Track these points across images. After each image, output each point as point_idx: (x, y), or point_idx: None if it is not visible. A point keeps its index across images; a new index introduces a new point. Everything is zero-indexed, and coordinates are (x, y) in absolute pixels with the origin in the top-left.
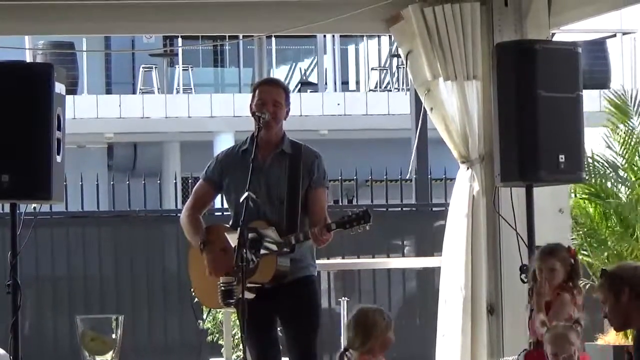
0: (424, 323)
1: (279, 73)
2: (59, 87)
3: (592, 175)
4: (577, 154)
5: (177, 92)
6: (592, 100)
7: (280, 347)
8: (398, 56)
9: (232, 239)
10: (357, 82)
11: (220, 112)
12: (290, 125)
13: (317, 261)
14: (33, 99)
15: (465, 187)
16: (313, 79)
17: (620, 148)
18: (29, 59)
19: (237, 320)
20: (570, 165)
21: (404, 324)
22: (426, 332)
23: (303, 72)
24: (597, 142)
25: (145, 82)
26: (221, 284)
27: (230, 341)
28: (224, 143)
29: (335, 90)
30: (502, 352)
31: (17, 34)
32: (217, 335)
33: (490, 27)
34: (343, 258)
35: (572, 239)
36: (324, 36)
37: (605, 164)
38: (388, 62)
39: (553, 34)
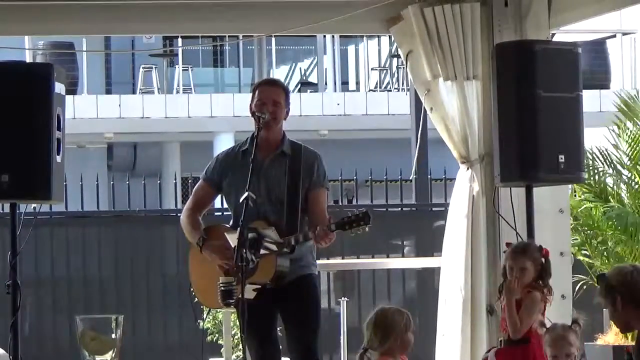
0: (424, 323)
1: (279, 73)
2: (59, 87)
3: (593, 176)
4: (577, 154)
5: (177, 92)
6: (592, 101)
7: (280, 346)
8: (398, 56)
9: (232, 239)
10: (357, 83)
11: (220, 112)
12: (290, 126)
13: (317, 261)
14: (33, 99)
15: (465, 187)
16: (313, 79)
17: (628, 147)
18: (29, 59)
19: (237, 320)
20: (570, 166)
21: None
22: (426, 332)
23: (303, 72)
24: (597, 142)
25: (145, 82)
26: (221, 284)
27: (230, 341)
28: (223, 143)
29: (335, 90)
30: None
31: (17, 34)
32: (216, 335)
33: (490, 28)
34: (343, 258)
35: (573, 239)
36: (324, 36)
37: (607, 164)
38: (388, 62)
39: (553, 35)
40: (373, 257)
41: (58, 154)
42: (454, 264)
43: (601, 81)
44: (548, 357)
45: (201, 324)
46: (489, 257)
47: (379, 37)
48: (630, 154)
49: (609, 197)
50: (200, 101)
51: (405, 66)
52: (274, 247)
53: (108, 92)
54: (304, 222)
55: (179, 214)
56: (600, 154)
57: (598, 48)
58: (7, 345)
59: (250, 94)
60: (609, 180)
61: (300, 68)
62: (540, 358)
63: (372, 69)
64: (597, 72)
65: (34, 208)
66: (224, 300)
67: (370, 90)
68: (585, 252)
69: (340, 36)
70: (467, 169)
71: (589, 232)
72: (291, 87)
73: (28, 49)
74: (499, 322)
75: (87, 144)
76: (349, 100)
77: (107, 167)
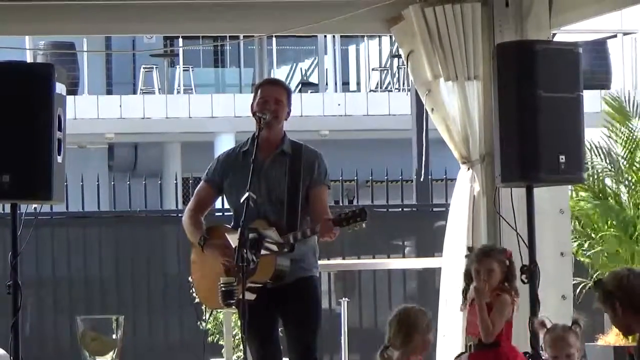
0: None
1: (279, 73)
2: (60, 88)
3: (592, 176)
4: (578, 155)
5: (178, 92)
6: (592, 101)
7: (281, 347)
8: (399, 56)
9: (233, 240)
10: (358, 83)
11: (220, 113)
12: (291, 126)
13: (318, 262)
14: (34, 99)
15: (465, 187)
16: (314, 79)
17: (622, 150)
18: (29, 59)
19: (238, 321)
20: (570, 166)
21: None
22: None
23: (304, 72)
24: (597, 142)
25: (146, 83)
26: (221, 285)
27: (231, 341)
28: (224, 143)
29: (336, 90)
30: None
31: (17, 34)
32: (217, 335)
33: (491, 28)
34: (343, 259)
35: (573, 239)
36: (325, 36)
37: (606, 165)
38: (389, 62)
39: (554, 35)
40: (374, 258)
41: (59, 154)
42: (454, 265)
43: (602, 81)
44: (548, 357)
45: (203, 324)
46: None
47: (379, 37)
48: (625, 155)
49: (608, 198)
50: (201, 101)
51: (406, 66)
52: (274, 247)
53: (109, 92)
54: (305, 222)
55: (179, 214)
56: (598, 154)
57: (599, 48)
58: (8, 345)
59: (252, 94)
60: (607, 181)
61: (301, 68)
62: None
63: (372, 69)
64: (597, 72)
65: (35, 208)
66: (225, 300)
67: (371, 91)
68: (586, 252)
69: (341, 36)
70: (468, 169)
71: (588, 232)
72: (292, 88)
73: (29, 49)
74: None
75: (88, 144)
76: (350, 101)
77: (108, 168)
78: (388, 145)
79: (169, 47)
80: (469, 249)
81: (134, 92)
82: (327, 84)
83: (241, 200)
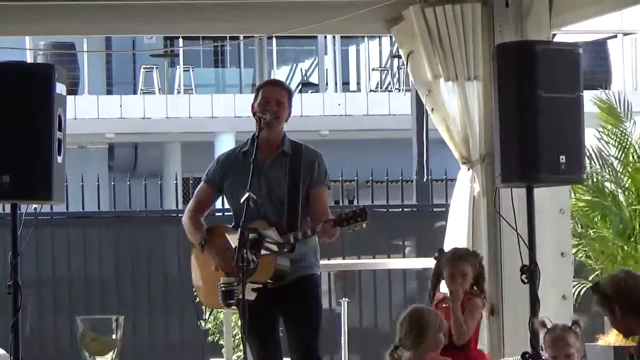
0: None
1: (279, 74)
2: (60, 88)
3: (591, 177)
4: (578, 155)
5: (178, 92)
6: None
7: (282, 346)
8: (399, 57)
9: (233, 240)
10: (358, 83)
11: (221, 113)
12: (291, 126)
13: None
14: (34, 99)
15: (466, 187)
16: (314, 79)
17: (616, 151)
18: (29, 59)
19: (239, 320)
20: (570, 166)
21: None
22: None
23: (304, 72)
24: (596, 143)
25: (146, 83)
26: (221, 285)
27: (231, 341)
28: (224, 143)
29: (336, 90)
30: (502, 352)
31: (17, 35)
32: (217, 335)
33: (491, 28)
34: (344, 259)
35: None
36: (325, 37)
37: (604, 166)
38: (389, 62)
39: (554, 35)
40: (374, 258)
41: (59, 155)
42: None
43: (602, 82)
44: (548, 357)
45: (203, 324)
46: (490, 257)
47: (380, 37)
48: (619, 157)
49: (607, 198)
50: (201, 101)
51: (406, 66)
52: (274, 248)
53: (109, 92)
54: (305, 222)
55: (179, 215)
56: (595, 155)
57: (599, 48)
58: (8, 345)
59: (252, 95)
60: (606, 183)
61: (301, 68)
62: None
63: (373, 69)
64: (598, 72)
65: (35, 208)
66: (225, 300)
67: (371, 91)
68: (586, 252)
69: (341, 36)
70: (468, 169)
71: (588, 232)
72: (292, 88)
73: (29, 49)
74: (500, 323)
75: (88, 145)
76: (350, 101)
77: (108, 168)
78: (388, 145)
79: (169, 47)
80: (440, 251)
81: (134, 92)
82: (327, 84)
83: (241, 201)
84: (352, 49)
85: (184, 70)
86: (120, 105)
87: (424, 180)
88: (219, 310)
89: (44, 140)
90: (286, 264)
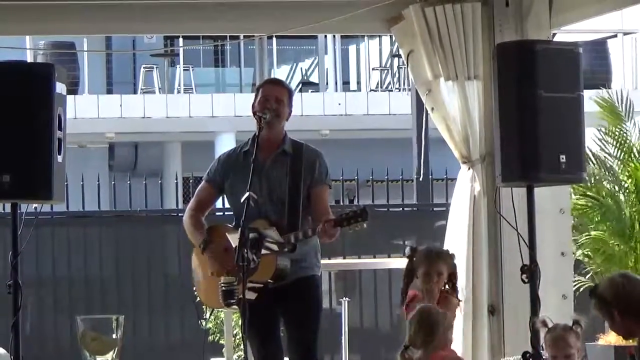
0: None
1: (280, 73)
2: (60, 87)
3: (591, 176)
4: (578, 155)
5: (178, 92)
6: (592, 101)
7: (282, 346)
8: (399, 56)
9: (234, 239)
10: (358, 82)
11: (221, 112)
12: (291, 126)
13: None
14: (34, 99)
15: (466, 187)
16: (314, 79)
17: (615, 151)
18: (29, 59)
19: (239, 320)
20: (571, 166)
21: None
22: None
23: (304, 72)
24: (596, 143)
25: (146, 82)
26: (222, 284)
27: (231, 341)
28: (225, 143)
29: (337, 90)
30: (503, 352)
31: (18, 34)
32: (218, 335)
33: (491, 27)
34: (344, 258)
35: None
36: (325, 36)
37: (603, 166)
38: (389, 62)
39: (554, 34)
40: (374, 257)
41: (59, 154)
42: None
43: (602, 81)
44: (548, 357)
45: (204, 323)
46: (490, 257)
47: (380, 36)
48: (619, 156)
49: (607, 198)
50: (202, 101)
51: (406, 66)
52: (275, 247)
53: (109, 92)
54: (306, 222)
55: (180, 214)
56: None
57: (599, 48)
58: (9, 345)
59: (252, 94)
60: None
61: (301, 68)
62: None
63: (373, 68)
64: (598, 72)
65: (35, 208)
66: (225, 300)
67: (371, 90)
68: (586, 252)
69: (342, 36)
70: (469, 169)
71: (587, 232)
72: (292, 87)
73: (29, 48)
74: (500, 322)
75: (88, 144)
76: (350, 100)
77: (108, 167)
78: (388, 144)
79: (170, 47)
80: (412, 249)
81: (135, 92)
82: (327, 83)
83: (241, 200)
84: (352, 49)
85: (184, 70)
86: (121, 105)
87: (420, 179)
88: (220, 309)
89: (44, 139)
90: (287, 264)
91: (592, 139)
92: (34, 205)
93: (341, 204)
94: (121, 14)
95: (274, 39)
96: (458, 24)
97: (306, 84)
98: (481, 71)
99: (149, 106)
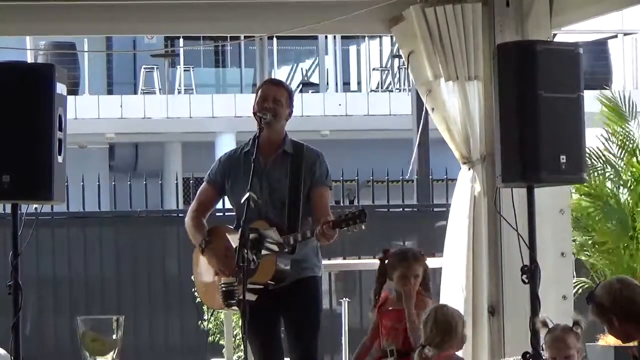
0: None
1: (280, 73)
2: (60, 88)
3: (592, 176)
4: (578, 155)
5: (179, 92)
6: (592, 101)
7: (283, 347)
8: (399, 57)
9: (234, 240)
10: (359, 83)
11: (221, 113)
12: (292, 126)
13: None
14: (34, 99)
15: (466, 187)
16: (314, 79)
17: (618, 150)
18: (30, 59)
19: (239, 321)
20: (571, 166)
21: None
22: None
23: (304, 72)
24: (597, 142)
25: (147, 83)
26: (222, 285)
27: (231, 341)
28: (225, 143)
29: (337, 90)
30: (503, 353)
31: (18, 35)
32: (218, 335)
33: (491, 28)
34: (344, 259)
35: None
36: (326, 37)
37: (606, 165)
38: (389, 62)
39: (554, 35)
40: (374, 258)
41: (59, 155)
42: (455, 265)
43: (603, 82)
44: (548, 358)
45: (204, 324)
46: (490, 257)
47: (380, 37)
48: (622, 156)
49: (608, 198)
50: (202, 101)
51: (406, 66)
52: (275, 248)
53: (109, 92)
54: (306, 223)
55: (180, 215)
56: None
57: (599, 48)
58: (9, 345)
59: (253, 95)
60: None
61: (301, 68)
62: None
63: (373, 69)
64: (598, 72)
65: (36, 208)
66: (226, 300)
67: (371, 91)
68: (587, 252)
69: (342, 36)
70: (469, 169)
71: (589, 232)
72: (293, 88)
73: (29, 49)
74: (500, 323)
75: (89, 145)
76: (351, 101)
77: (108, 168)
78: (389, 145)
79: (170, 47)
80: (384, 251)
81: (135, 92)
82: (327, 84)
83: (242, 201)
84: (352, 49)
85: (184, 70)
86: (121, 105)
87: (417, 178)
88: (220, 310)
89: (44, 140)
90: (287, 266)
91: (598, 138)
92: (34, 205)
93: (341, 204)
94: (121, 14)
95: (275, 39)
96: (458, 24)
97: (306, 85)
98: (481, 71)
99: (150, 107)
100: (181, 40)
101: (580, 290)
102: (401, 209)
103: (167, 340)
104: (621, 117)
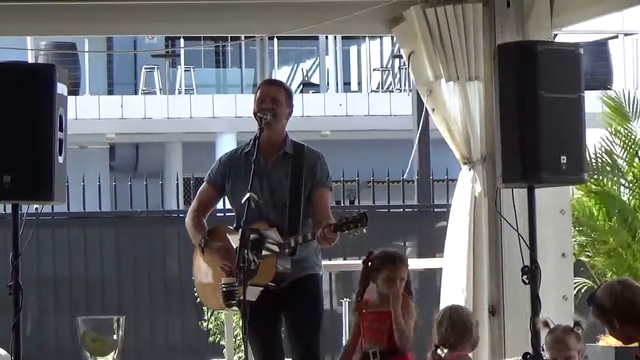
0: (426, 324)
1: (281, 74)
2: (61, 88)
3: (595, 175)
4: (579, 155)
5: (179, 92)
6: (593, 102)
7: (283, 347)
8: (400, 57)
9: (234, 240)
10: (359, 83)
11: (222, 113)
12: (292, 126)
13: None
14: (35, 99)
15: (467, 188)
16: (315, 79)
17: (621, 151)
18: (30, 59)
19: (240, 321)
20: (571, 166)
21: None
22: (428, 333)
23: (305, 73)
24: (599, 142)
25: (147, 83)
26: (223, 285)
27: (232, 342)
28: (225, 144)
29: (337, 91)
30: (503, 353)
31: (19, 35)
32: (218, 335)
33: (492, 28)
34: (345, 259)
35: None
36: (326, 37)
37: (608, 165)
38: (390, 63)
39: (555, 35)
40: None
41: (60, 155)
42: (456, 265)
43: (603, 82)
44: (548, 358)
45: (204, 324)
46: (491, 257)
47: (381, 37)
48: (624, 156)
49: (612, 199)
50: (202, 102)
51: (407, 67)
52: (275, 248)
53: (110, 92)
54: (306, 224)
55: (181, 215)
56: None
57: (600, 49)
58: (9, 345)
59: (253, 95)
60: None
61: (302, 69)
62: None
63: (374, 69)
64: (599, 73)
65: (36, 209)
66: (226, 301)
67: (372, 91)
68: (587, 253)
69: (342, 37)
70: (469, 169)
71: (591, 232)
72: (293, 88)
73: (30, 49)
74: (501, 323)
75: (89, 145)
76: (351, 101)
77: (109, 168)
78: (389, 145)
79: (170, 48)
80: (368, 254)
81: (135, 93)
82: (328, 84)
83: (242, 201)
84: (353, 49)
85: (185, 71)
86: (122, 106)
87: (417, 178)
88: (220, 310)
89: (45, 140)
90: (287, 267)
91: (602, 138)
92: (35, 206)
93: (342, 204)
94: (122, 14)
95: (275, 39)
96: (459, 24)
97: (307, 85)
98: (482, 72)
99: (150, 107)
100: (182, 40)
101: (581, 291)
102: (402, 210)
103: (168, 340)
104: (624, 117)
